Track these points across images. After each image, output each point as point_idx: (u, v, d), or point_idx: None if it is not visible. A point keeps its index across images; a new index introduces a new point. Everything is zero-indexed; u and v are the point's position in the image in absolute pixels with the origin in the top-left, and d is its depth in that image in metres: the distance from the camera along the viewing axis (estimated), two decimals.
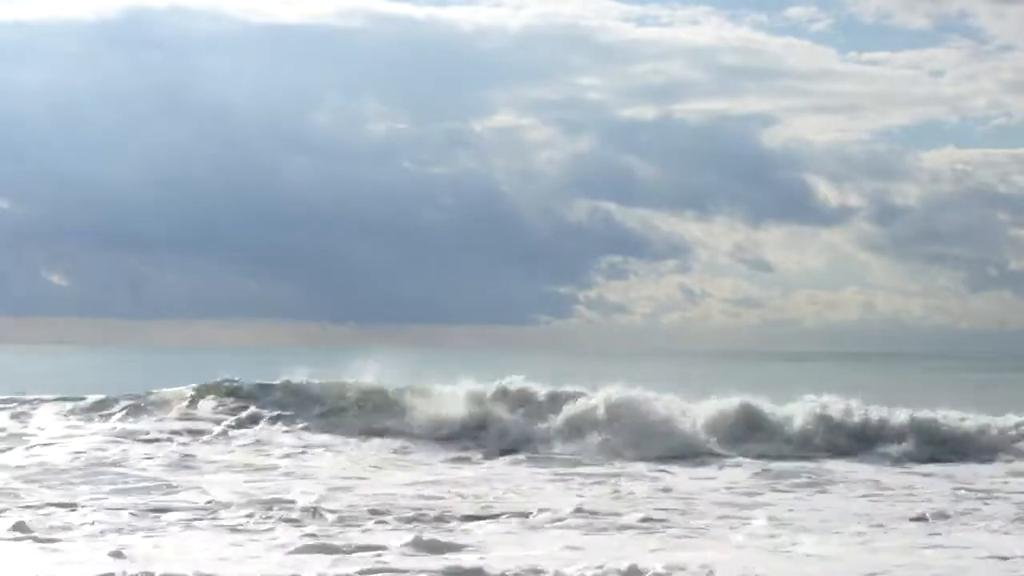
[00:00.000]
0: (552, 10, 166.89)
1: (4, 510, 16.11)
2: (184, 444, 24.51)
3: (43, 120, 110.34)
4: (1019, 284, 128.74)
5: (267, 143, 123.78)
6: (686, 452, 24.06)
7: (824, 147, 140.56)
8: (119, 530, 15.06)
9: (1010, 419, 26.47)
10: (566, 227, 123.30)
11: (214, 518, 16.06)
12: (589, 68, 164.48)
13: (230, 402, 28.40)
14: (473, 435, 25.61)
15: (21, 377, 49.35)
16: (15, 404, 29.37)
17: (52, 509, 16.33)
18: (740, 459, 23.79)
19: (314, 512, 16.43)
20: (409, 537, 14.48)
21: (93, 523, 15.43)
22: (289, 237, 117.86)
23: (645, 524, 16.30)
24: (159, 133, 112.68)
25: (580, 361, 71.58)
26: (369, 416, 27.00)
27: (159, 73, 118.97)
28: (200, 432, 26.08)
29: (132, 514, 16.12)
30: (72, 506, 16.61)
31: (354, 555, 13.63)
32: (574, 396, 26.94)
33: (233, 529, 15.38)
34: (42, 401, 29.65)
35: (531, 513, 16.78)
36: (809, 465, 23.09)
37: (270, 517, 16.07)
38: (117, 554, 13.42)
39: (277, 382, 28.98)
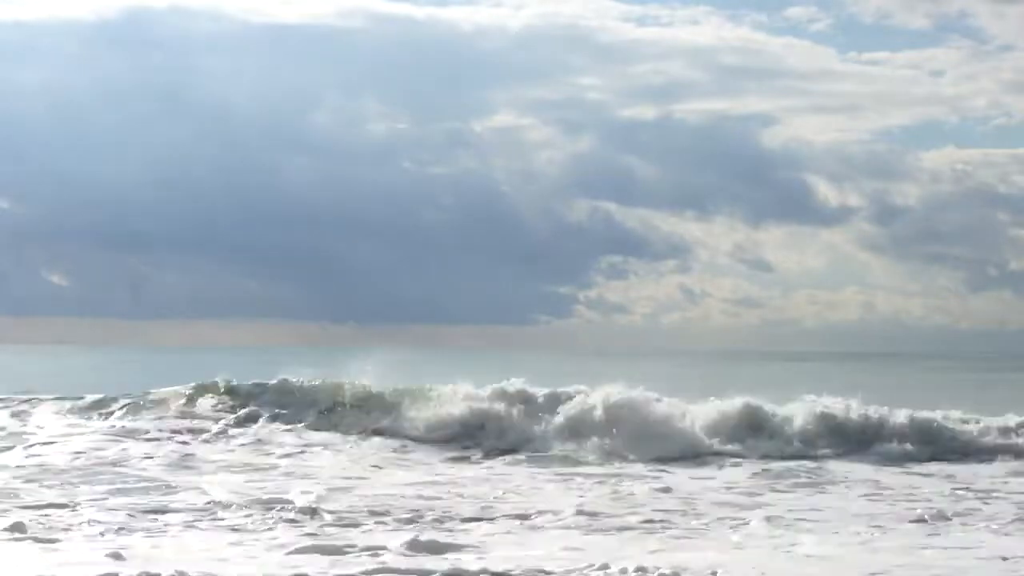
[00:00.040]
0: (552, 10, 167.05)
1: (3, 510, 16.10)
2: (183, 444, 24.50)
3: (43, 120, 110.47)
4: (1019, 284, 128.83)
5: (267, 143, 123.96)
6: (687, 453, 24.01)
7: (824, 147, 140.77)
8: (118, 530, 15.05)
9: (1010, 419, 26.46)
10: (566, 227, 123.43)
11: (214, 518, 16.06)
12: (589, 68, 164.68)
13: (229, 401, 28.39)
14: (473, 435, 25.59)
15: (21, 377, 49.35)
16: (15, 403, 29.37)
17: (51, 509, 16.32)
18: (740, 459, 23.79)
19: (313, 512, 16.42)
20: (408, 537, 14.47)
21: (92, 523, 15.42)
22: (289, 237, 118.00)
23: (645, 524, 16.29)
24: (159, 133, 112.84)
25: (580, 361, 71.60)
26: (369, 416, 26.99)
27: (159, 73, 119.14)
28: (199, 431, 26.07)
29: (132, 514, 16.11)
30: (71, 506, 16.60)
31: (353, 555, 13.62)
32: (574, 396, 26.90)
33: (233, 529, 15.37)
34: (42, 400, 29.65)
35: (531, 514, 16.78)
36: (809, 465, 23.08)
37: (270, 517, 16.07)
38: (116, 554, 13.41)
39: (276, 381, 28.97)
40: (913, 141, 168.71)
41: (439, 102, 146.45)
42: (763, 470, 22.40)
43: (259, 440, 25.30)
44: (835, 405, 26.55)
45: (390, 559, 13.46)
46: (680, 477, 21.54)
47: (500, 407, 26.54)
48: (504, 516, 16.64)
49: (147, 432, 25.79)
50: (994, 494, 19.75)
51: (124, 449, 23.09)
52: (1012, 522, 16.90)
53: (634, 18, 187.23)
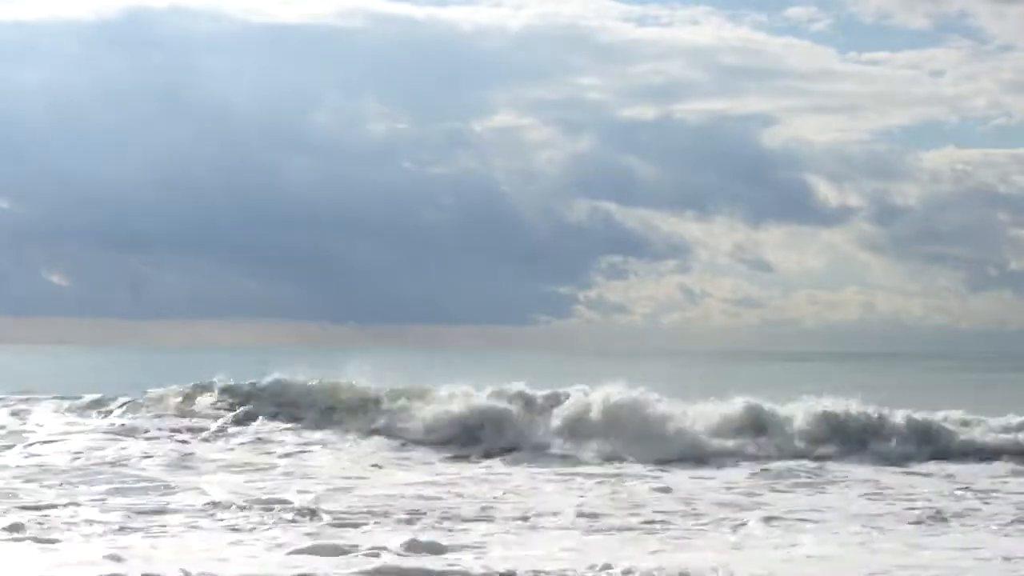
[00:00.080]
0: (552, 10, 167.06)
1: (3, 510, 16.09)
2: (183, 443, 24.49)
3: (43, 120, 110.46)
4: (1019, 284, 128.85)
5: (267, 143, 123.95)
6: (687, 455, 23.96)
7: (824, 147, 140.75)
8: (118, 530, 15.05)
9: (1010, 419, 26.46)
10: (566, 227, 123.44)
11: (213, 518, 16.05)
12: (589, 68, 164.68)
13: (228, 401, 28.38)
14: (472, 435, 25.57)
15: (21, 377, 49.36)
16: (14, 403, 29.37)
17: (51, 509, 16.31)
18: (740, 459, 23.77)
19: (313, 512, 16.42)
20: (408, 537, 14.46)
21: (92, 523, 15.42)
22: (289, 237, 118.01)
23: (645, 525, 16.28)
24: (159, 133, 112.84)
25: (580, 361, 71.57)
26: (368, 416, 26.97)
27: (159, 73, 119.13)
28: (199, 431, 26.07)
29: (131, 514, 16.10)
30: (71, 506, 16.59)
31: (353, 555, 13.61)
32: (574, 397, 26.88)
33: (233, 529, 15.36)
34: (41, 400, 29.65)
35: (531, 514, 16.77)
36: (809, 465, 23.07)
37: (270, 517, 16.07)
38: (116, 555, 13.40)
39: (276, 381, 28.95)
40: (913, 141, 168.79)
41: (439, 102, 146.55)
42: (763, 470, 22.40)
43: (258, 440, 25.30)
44: (835, 405, 26.54)
45: (390, 559, 13.45)
46: (680, 477, 21.53)
47: (500, 407, 26.53)
48: (504, 516, 16.63)
49: (146, 431, 25.82)
50: (994, 494, 19.75)
51: (123, 448, 23.09)
52: (1012, 522, 16.90)
53: (634, 18, 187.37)
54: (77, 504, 16.74)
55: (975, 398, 35.07)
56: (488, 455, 24.24)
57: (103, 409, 28.26)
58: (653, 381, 27.28)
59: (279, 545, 14.23)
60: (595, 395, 26.53)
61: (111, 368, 67.69)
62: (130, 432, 25.49)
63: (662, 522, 16.47)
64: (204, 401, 28.63)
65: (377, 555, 13.63)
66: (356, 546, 14.05)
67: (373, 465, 22.43)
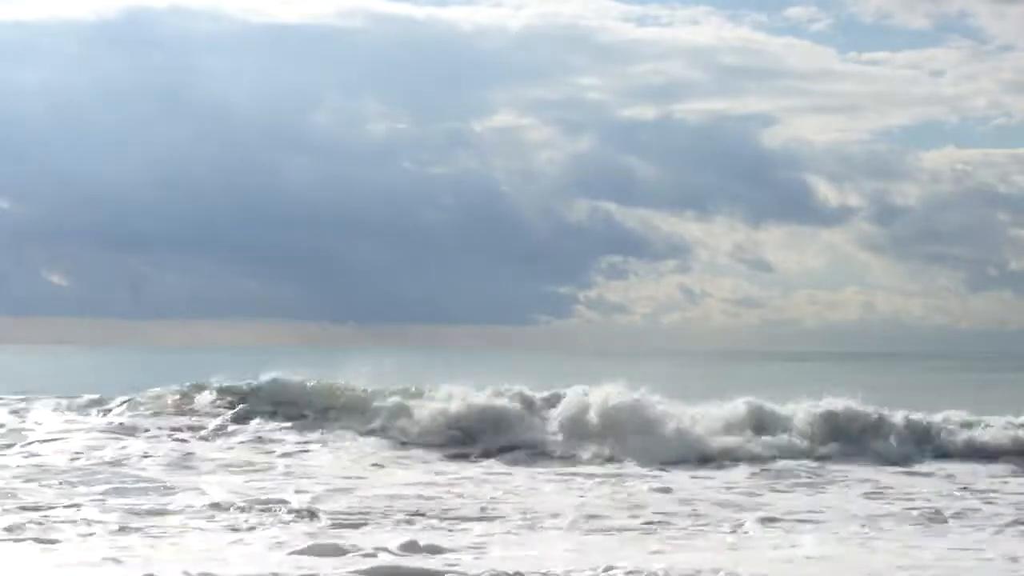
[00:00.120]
0: (552, 10, 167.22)
1: (3, 510, 16.08)
2: (182, 443, 24.46)
3: (43, 120, 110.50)
4: (1019, 284, 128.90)
5: (267, 143, 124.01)
6: (688, 456, 23.89)
7: (824, 147, 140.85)
8: (118, 531, 15.04)
9: (1010, 419, 26.44)
10: (566, 227, 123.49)
11: (213, 518, 16.04)
12: (589, 68, 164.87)
13: (227, 401, 28.35)
14: (472, 435, 25.55)
15: (21, 377, 49.36)
16: (14, 402, 29.36)
17: (50, 509, 16.30)
18: (740, 459, 23.73)
19: (313, 512, 16.41)
20: (408, 537, 14.46)
21: (92, 523, 15.41)
22: (289, 237, 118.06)
23: (645, 525, 16.28)
24: (159, 133, 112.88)
25: (580, 361, 71.57)
26: (368, 416, 26.94)
27: (159, 73, 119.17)
28: (198, 432, 26.04)
29: (131, 514, 16.09)
30: (71, 506, 16.58)
31: (353, 555, 13.60)
32: (574, 397, 26.85)
33: (233, 529, 15.36)
34: (41, 400, 29.64)
35: (530, 514, 16.76)
36: (809, 465, 23.07)
37: (270, 517, 16.06)
38: (116, 555, 13.40)
39: (274, 381, 28.90)
40: (913, 141, 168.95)
41: (439, 102, 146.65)
42: (763, 470, 22.40)
43: (257, 439, 25.28)
44: (835, 405, 26.52)
45: (389, 559, 13.45)
46: (680, 477, 21.52)
47: (500, 407, 26.51)
48: (504, 517, 16.62)
49: (146, 430, 25.81)
50: (994, 494, 19.75)
51: (122, 448, 23.06)
52: (1012, 522, 16.90)
53: (634, 18, 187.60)
54: (77, 504, 16.73)
55: (975, 398, 35.06)
56: (487, 455, 24.22)
57: (102, 411, 28.23)
58: (653, 381, 27.26)
59: (279, 545, 14.22)
60: (595, 395, 26.50)
61: (111, 368, 67.68)
62: (129, 431, 25.47)
63: (662, 522, 16.46)
64: (202, 401, 28.60)
65: (377, 555, 13.63)
66: (355, 546, 14.04)
67: (373, 465, 22.43)
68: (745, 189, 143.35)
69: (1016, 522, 16.92)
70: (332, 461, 22.88)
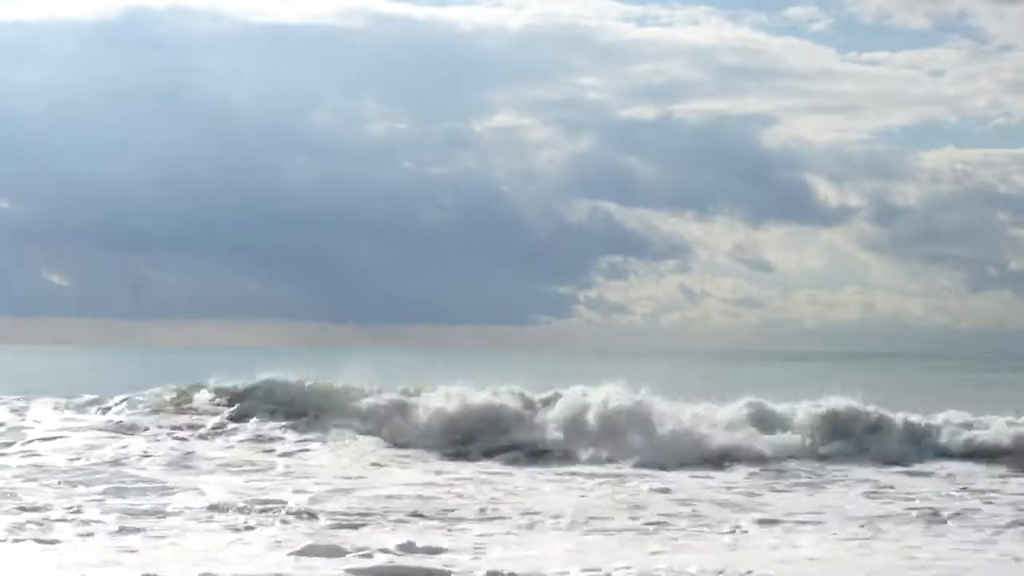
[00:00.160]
0: (552, 10, 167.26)
1: (2, 511, 16.07)
2: (181, 443, 24.44)
3: (43, 120, 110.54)
4: (1019, 284, 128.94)
5: (267, 143, 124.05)
6: (688, 455, 23.85)
7: (824, 147, 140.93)
8: (118, 531, 15.03)
9: (1010, 419, 26.42)
10: (566, 227, 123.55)
11: (212, 518, 16.03)
12: (589, 68, 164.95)
13: (226, 401, 28.32)
14: (471, 436, 25.52)
15: (21, 377, 49.34)
16: (13, 402, 29.35)
17: (50, 509, 16.29)
18: (739, 459, 23.70)
19: (312, 513, 16.40)
20: (407, 538, 14.46)
21: (91, 523, 15.40)
22: (289, 237, 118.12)
23: (645, 525, 16.27)
24: (159, 133, 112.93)
25: (580, 361, 71.55)
26: (367, 416, 26.91)
27: (159, 73, 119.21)
28: (197, 431, 26.02)
29: (130, 514, 16.08)
30: (70, 506, 16.57)
31: (352, 555, 13.60)
32: (573, 397, 26.83)
33: (232, 529, 15.35)
34: (40, 400, 29.62)
35: (530, 514, 16.75)
36: (809, 465, 23.07)
37: (269, 517, 16.05)
38: (116, 555, 13.40)
39: (275, 381, 28.86)
40: (913, 141, 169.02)
41: (439, 102, 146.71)
42: (763, 470, 22.40)
43: (256, 439, 25.27)
44: (835, 405, 26.50)
45: (389, 559, 13.44)
46: (680, 477, 21.51)
47: (499, 407, 26.48)
48: (503, 517, 16.61)
49: (146, 428, 25.80)
50: (994, 494, 19.74)
51: (122, 448, 23.05)
52: (1012, 523, 16.89)
53: (634, 18, 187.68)
54: (76, 504, 16.72)
55: (975, 398, 35.06)
56: (487, 455, 24.21)
57: (102, 411, 28.22)
58: (653, 381, 27.24)
59: (278, 545, 14.22)
60: (595, 395, 26.48)
61: (111, 368, 67.65)
62: (128, 431, 25.45)
63: (662, 523, 16.45)
64: (201, 400, 28.57)
65: (376, 556, 13.62)
66: (355, 546, 14.03)
67: (372, 464, 22.42)
68: (745, 189, 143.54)
69: (1016, 522, 16.91)
70: (331, 461, 22.87)
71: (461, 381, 27.66)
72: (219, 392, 28.65)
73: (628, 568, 12.96)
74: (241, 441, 25.04)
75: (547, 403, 26.99)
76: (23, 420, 26.81)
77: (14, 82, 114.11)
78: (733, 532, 15.87)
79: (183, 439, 24.99)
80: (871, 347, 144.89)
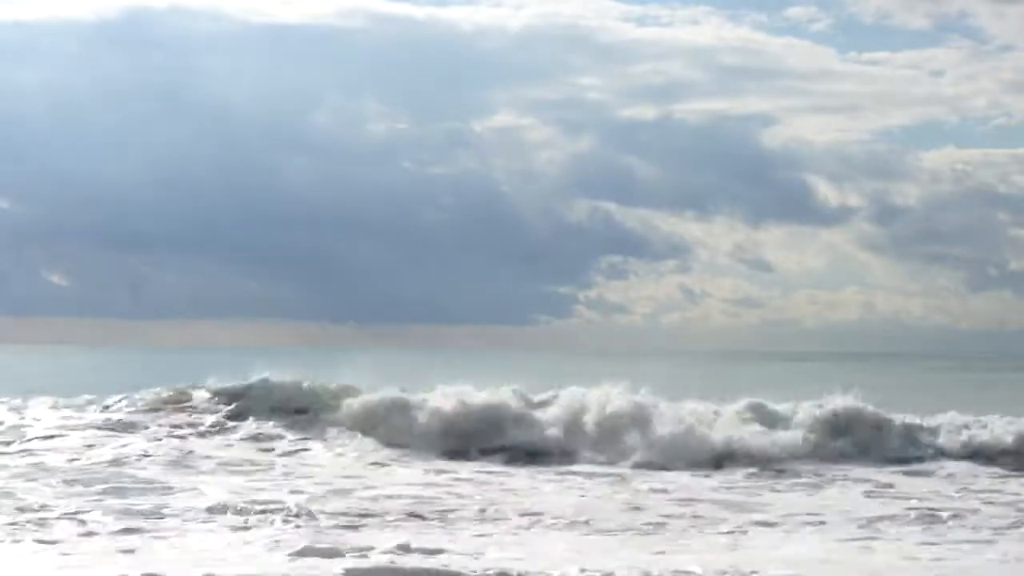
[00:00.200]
0: (552, 10, 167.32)
1: (1, 511, 16.06)
2: (180, 444, 24.42)
3: (43, 120, 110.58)
4: (1019, 284, 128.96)
5: (267, 143, 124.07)
6: (688, 455, 23.82)
7: (824, 147, 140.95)
8: (117, 531, 15.02)
9: (1010, 419, 26.41)
10: (566, 227, 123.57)
11: (212, 518, 16.02)
12: (589, 68, 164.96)
13: (225, 400, 28.28)
14: (471, 435, 25.48)
15: (21, 378, 49.33)
16: (13, 402, 29.34)
17: (49, 509, 16.28)
18: (739, 459, 23.68)
19: (311, 513, 16.39)
20: (406, 538, 14.45)
21: (91, 523, 15.38)
22: (289, 237, 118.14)
23: (645, 526, 16.26)
24: (159, 133, 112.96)
25: (580, 361, 71.56)
26: (367, 416, 26.87)
27: (159, 73, 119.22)
28: (196, 431, 26.01)
29: (130, 514, 16.07)
30: (69, 506, 16.55)
31: (351, 556, 13.58)
32: (573, 397, 26.81)
33: (232, 529, 15.34)
34: (39, 400, 29.62)
35: (529, 514, 16.74)
36: (809, 465, 23.06)
37: (269, 517, 16.04)
38: (115, 555, 13.38)
39: (274, 381, 28.83)
40: (913, 141, 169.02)
41: (439, 102, 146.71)
42: (763, 470, 22.39)
43: (255, 439, 25.25)
44: (835, 405, 26.48)
45: (388, 560, 13.42)
46: (679, 477, 21.50)
47: (499, 407, 26.45)
48: (502, 517, 16.60)
49: (146, 427, 25.80)
50: (994, 494, 19.73)
51: (121, 448, 23.05)
52: (1012, 523, 16.88)
53: (634, 18, 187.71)
54: (76, 504, 16.70)
55: (975, 398, 35.06)
56: (486, 455, 24.20)
57: (101, 411, 28.20)
58: (653, 381, 27.23)
59: (277, 545, 14.20)
60: (594, 395, 26.47)
61: (111, 368, 67.65)
62: (127, 431, 25.43)
63: (662, 523, 16.45)
64: (200, 400, 28.54)
65: (375, 556, 13.60)
66: (354, 547, 14.01)
67: (371, 464, 22.41)
68: (745, 189, 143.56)
69: (1016, 523, 16.91)
70: (331, 461, 22.87)
71: (461, 381, 27.64)
72: (217, 392, 28.61)
73: (628, 568, 12.95)
74: (240, 440, 25.03)
75: (547, 403, 26.96)
76: (22, 420, 26.80)
77: (14, 82, 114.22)
78: (733, 532, 15.87)
79: (182, 437, 24.98)
80: (871, 347, 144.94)
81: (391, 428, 26.03)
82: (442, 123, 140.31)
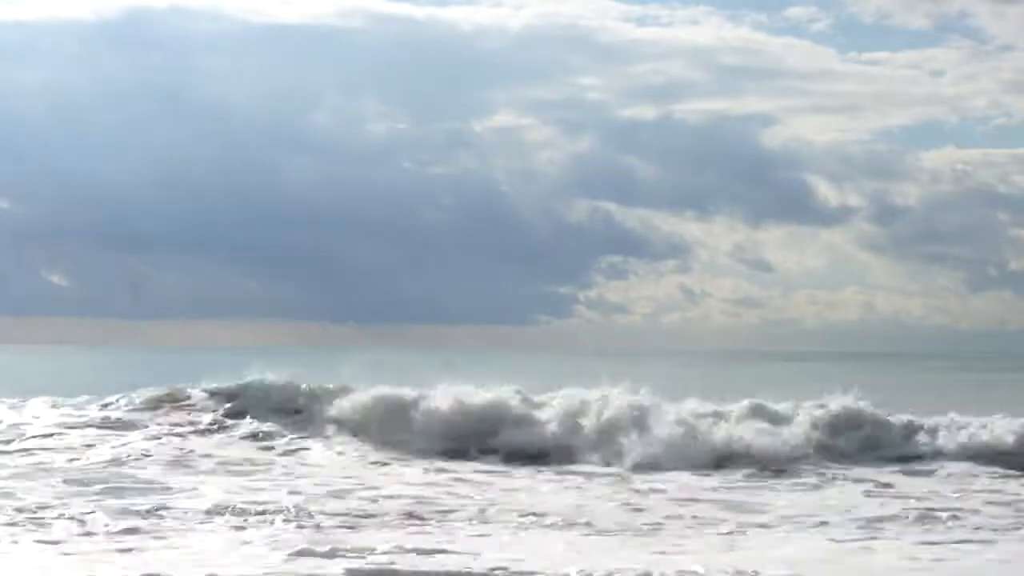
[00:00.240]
0: (552, 10, 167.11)
1: (1, 511, 16.06)
2: (179, 444, 24.41)
3: (43, 120, 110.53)
4: (1019, 284, 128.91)
5: (267, 143, 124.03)
6: (688, 455, 23.79)
7: (824, 147, 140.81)
8: (116, 531, 15.00)
9: (1010, 420, 26.38)
10: (566, 227, 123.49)
11: (210, 519, 16.01)
12: (589, 68, 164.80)
13: (223, 400, 28.24)
14: (470, 435, 25.46)
15: (21, 378, 49.31)
16: (12, 402, 29.33)
17: (49, 509, 16.27)
18: (739, 459, 23.65)
19: (310, 513, 16.38)
20: (405, 538, 14.43)
21: (90, 523, 15.37)
22: (289, 237, 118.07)
23: (645, 526, 16.25)
24: (159, 133, 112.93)
25: (580, 361, 71.51)
26: (366, 416, 26.84)
27: (159, 73, 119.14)
28: (195, 432, 25.98)
29: (129, 515, 16.06)
30: (69, 506, 16.54)
31: (350, 556, 13.57)
32: (573, 397, 26.79)
33: (230, 529, 15.33)
34: (39, 400, 29.60)
35: (529, 515, 16.73)
36: (809, 465, 23.05)
37: (267, 518, 16.03)
38: (114, 555, 13.37)
39: (273, 381, 28.80)
40: (913, 141, 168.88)
41: (439, 102, 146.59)
42: (763, 470, 22.37)
43: (255, 440, 25.24)
44: (835, 405, 26.47)
45: (387, 560, 13.41)
46: (679, 478, 21.49)
47: (498, 407, 26.44)
48: (502, 517, 16.59)
49: (146, 426, 25.79)
50: (994, 494, 19.72)
51: (120, 447, 23.05)
52: (1012, 523, 16.87)
53: (634, 18, 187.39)
54: (75, 504, 16.69)
55: (975, 398, 35.01)
56: (486, 455, 24.18)
57: (100, 411, 28.17)
58: (653, 381, 27.20)
59: (276, 546, 14.19)
60: (594, 395, 26.45)
61: (111, 368, 67.62)
62: (127, 431, 25.42)
63: (662, 523, 16.43)
64: (198, 400, 28.50)
65: (374, 556, 13.59)
66: (353, 547, 14.01)
67: (371, 464, 22.40)
68: (745, 189, 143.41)
69: (1016, 523, 16.90)
70: (330, 461, 22.86)
71: (461, 381, 27.62)
72: (216, 391, 28.58)
73: (628, 568, 12.93)
74: (239, 440, 25.01)
75: (547, 403, 26.94)
76: (22, 420, 26.78)
77: (14, 82, 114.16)
78: (733, 532, 15.85)
79: (181, 440, 24.95)
80: (871, 347, 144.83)
81: (390, 428, 26.00)
82: (442, 123, 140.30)
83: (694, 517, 16.95)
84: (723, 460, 23.63)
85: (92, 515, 15.91)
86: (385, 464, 22.65)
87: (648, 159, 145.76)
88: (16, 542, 14.21)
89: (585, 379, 28.28)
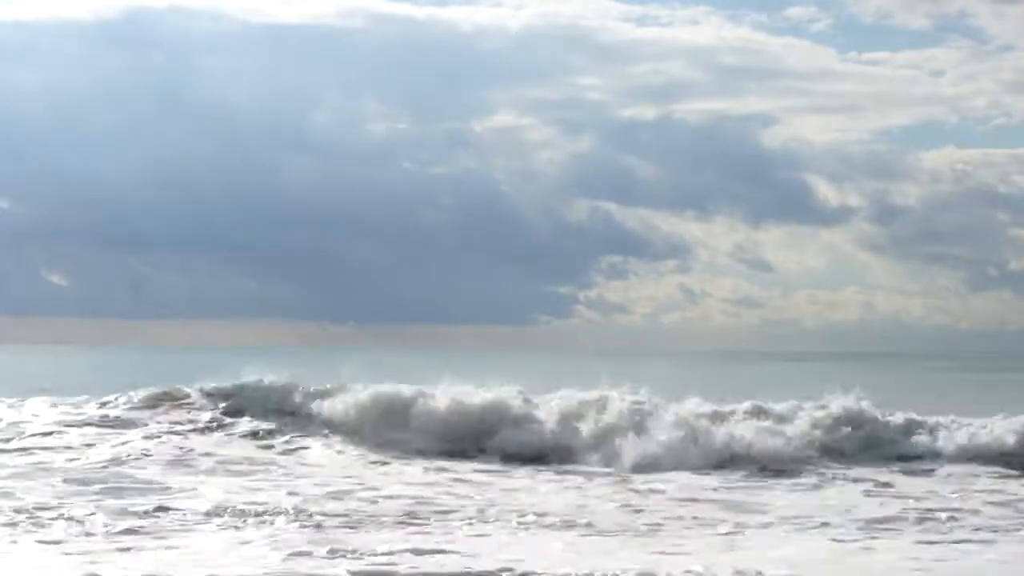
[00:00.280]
0: (552, 10, 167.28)
1: (0, 511, 16.05)
2: (179, 444, 24.40)
3: (43, 120, 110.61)
4: (1019, 284, 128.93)
5: (267, 143, 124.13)
6: (688, 455, 23.77)
7: (824, 147, 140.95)
8: (115, 531, 15.00)
9: (1010, 420, 26.37)
10: (566, 227, 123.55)
11: (210, 519, 16.00)
12: (589, 68, 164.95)
13: (223, 400, 28.22)
14: (470, 436, 25.45)
15: (21, 378, 49.32)
16: (11, 403, 29.31)
17: (48, 509, 16.26)
18: (739, 459, 23.64)
19: (309, 514, 16.37)
20: (406, 538, 14.43)
21: (90, 523, 15.36)
22: (289, 237, 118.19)
23: (644, 526, 16.24)
24: (159, 133, 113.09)
25: (580, 361, 71.52)
26: (366, 416, 26.83)
27: (159, 73, 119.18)
28: (194, 432, 25.97)
29: (128, 515, 16.05)
30: (68, 506, 16.54)
31: (350, 556, 13.57)
32: (572, 397, 26.78)
33: (230, 530, 15.32)
34: (38, 400, 29.59)
35: (528, 515, 16.72)
36: (809, 465, 23.04)
37: (266, 518, 16.02)
38: (114, 555, 13.36)
39: (273, 381, 28.78)
40: (913, 141, 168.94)
41: (439, 102, 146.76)
42: (763, 470, 22.36)
43: (254, 440, 25.23)
44: (836, 405, 26.46)
45: (388, 560, 13.41)
46: (679, 477, 21.48)
47: (498, 407, 26.43)
48: (501, 517, 16.57)
49: (146, 424, 25.78)
50: (994, 494, 19.71)
51: (120, 447, 23.04)
52: (1012, 523, 16.86)
53: (634, 18, 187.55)
54: (74, 504, 16.68)
55: (975, 398, 35.04)
56: (486, 455, 24.17)
57: (100, 411, 28.16)
58: (653, 381, 27.21)
59: (276, 546, 14.18)
60: (594, 395, 26.45)
61: (111, 368, 67.64)
62: (126, 430, 25.41)
63: (662, 523, 16.43)
64: (197, 400, 28.49)
65: (374, 556, 13.59)
66: (353, 547, 14.01)
67: (370, 464, 22.39)
68: (745, 189, 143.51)
69: (1016, 523, 16.89)
70: (330, 461, 22.85)
71: (461, 381, 27.61)
72: (214, 391, 28.56)
73: (627, 568, 12.93)
74: (239, 438, 25.00)
75: (546, 403, 26.92)
76: (21, 420, 26.77)
77: (14, 82, 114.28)
78: (733, 533, 15.85)
79: (181, 434, 24.95)
80: (871, 347, 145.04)
81: (390, 428, 25.99)
82: (442, 123, 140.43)
83: (694, 517, 16.95)
84: (723, 460, 23.62)
85: (92, 515, 15.90)
86: (385, 464, 22.65)
87: (648, 159, 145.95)
88: (16, 542, 14.20)
89: (585, 379, 28.28)
